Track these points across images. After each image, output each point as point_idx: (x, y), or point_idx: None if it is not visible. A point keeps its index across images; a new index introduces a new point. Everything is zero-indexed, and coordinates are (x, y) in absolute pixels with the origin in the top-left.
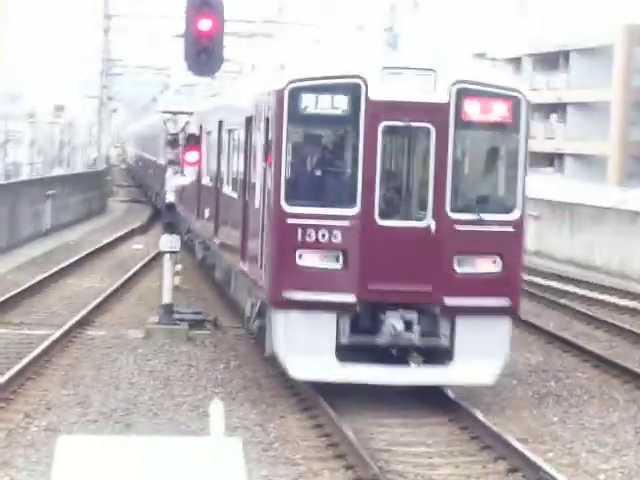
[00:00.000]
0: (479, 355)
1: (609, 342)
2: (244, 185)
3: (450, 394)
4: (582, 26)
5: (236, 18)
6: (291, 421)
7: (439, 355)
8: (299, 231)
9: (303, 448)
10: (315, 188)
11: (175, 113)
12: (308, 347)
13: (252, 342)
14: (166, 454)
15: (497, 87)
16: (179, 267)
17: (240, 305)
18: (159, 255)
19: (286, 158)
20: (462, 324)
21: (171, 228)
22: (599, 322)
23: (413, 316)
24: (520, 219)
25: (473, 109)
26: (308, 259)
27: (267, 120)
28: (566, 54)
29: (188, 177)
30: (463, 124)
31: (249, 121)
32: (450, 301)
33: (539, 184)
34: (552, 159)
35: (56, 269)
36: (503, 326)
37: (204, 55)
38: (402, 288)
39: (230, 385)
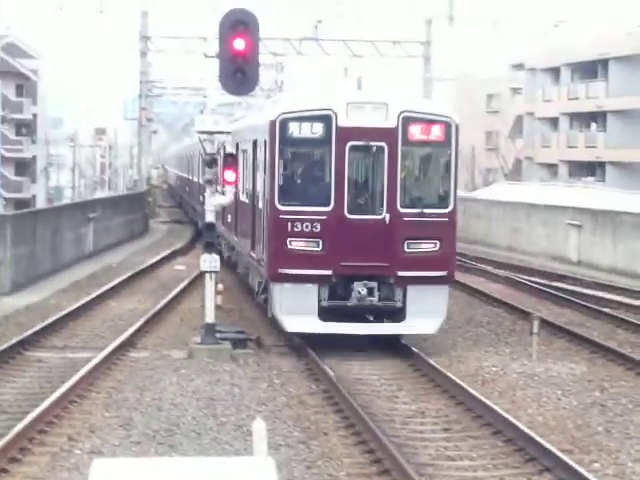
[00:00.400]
0: (425, 314)
1: None
2: (253, 192)
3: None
4: (620, 34)
5: (272, 36)
6: (334, 438)
7: (395, 314)
8: (289, 224)
9: (347, 465)
10: (300, 192)
11: (212, 133)
12: (297, 309)
13: (271, 328)
14: (195, 474)
15: (432, 114)
16: (220, 286)
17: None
18: (200, 276)
19: (279, 170)
20: (411, 291)
21: (211, 248)
22: None
23: (374, 285)
24: (453, 212)
25: (415, 131)
26: (296, 244)
27: (265, 142)
28: (605, 62)
29: (228, 196)
30: (408, 143)
31: (255, 143)
32: (402, 274)
33: (580, 193)
34: (593, 168)
35: (99, 292)
36: (442, 292)
37: (239, 75)
38: (366, 264)
39: (273, 403)
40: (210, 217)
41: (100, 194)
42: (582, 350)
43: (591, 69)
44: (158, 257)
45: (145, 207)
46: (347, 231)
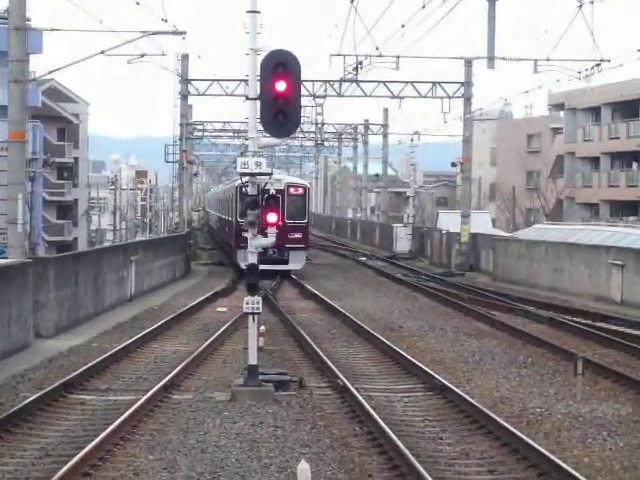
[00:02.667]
0: (296, 262)
1: None
2: (227, 214)
3: None
4: None
5: (312, 78)
6: None
7: (285, 262)
8: (241, 227)
9: None
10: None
11: (254, 175)
12: (246, 260)
13: (314, 370)
14: None
15: (298, 183)
16: (263, 328)
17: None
18: (242, 317)
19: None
20: (291, 252)
21: (254, 290)
22: None
23: (276, 250)
24: (307, 222)
25: (291, 190)
26: (244, 235)
27: (232, 194)
28: None
29: (270, 238)
30: (289, 194)
31: (230, 193)
32: (288, 245)
33: (621, 232)
34: (635, 207)
35: (141, 334)
36: (303, 253)
37: (281, 117)
38: (278, 242)
39: (317, 445)
40: (252, 259)
41: (141, 237)
42: (627, 390)
43: (632, 108)
44: (200, 299)
45: (186, 249)
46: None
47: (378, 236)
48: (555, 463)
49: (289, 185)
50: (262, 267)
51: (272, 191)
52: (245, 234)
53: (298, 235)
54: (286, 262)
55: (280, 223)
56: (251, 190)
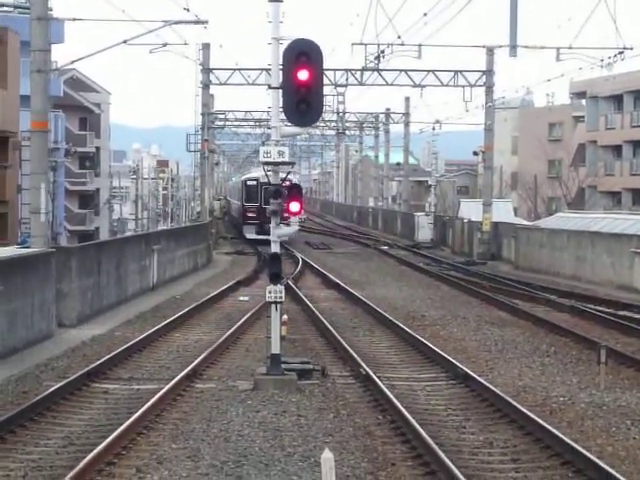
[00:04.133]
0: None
1: None
2: (237, 200)
3: None
4: None
5: (334, 67)
6: (402, 469)
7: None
8: (247, 208)
9: None
10: (250, 199)
11: (277, 164)
12: (250, 232)
13: (337, 359)
14: None
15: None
16: (285, 317)
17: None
18: (264, 306)
19: (245, 194)
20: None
21: (277, 278)
22: None
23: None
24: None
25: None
26: (248, 214)
27: (241, 185)
28: None
29: (293, 227)
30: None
31: (239, 185)
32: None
33: None
34: None
35: (164, 323)
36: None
37: (303, 106)
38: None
39: (340, 434)
40: (275, 248)
41: (162, 226)
42: None
43: None
44: (222, 288)
45: (208, 238)
46: (262, 211)
47: (400, 225)
48: (579, 452)
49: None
50: (259, 236)
51: (294, 179)
52: (249, 214)
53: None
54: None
55: (302, 211)
56: (273, 179)
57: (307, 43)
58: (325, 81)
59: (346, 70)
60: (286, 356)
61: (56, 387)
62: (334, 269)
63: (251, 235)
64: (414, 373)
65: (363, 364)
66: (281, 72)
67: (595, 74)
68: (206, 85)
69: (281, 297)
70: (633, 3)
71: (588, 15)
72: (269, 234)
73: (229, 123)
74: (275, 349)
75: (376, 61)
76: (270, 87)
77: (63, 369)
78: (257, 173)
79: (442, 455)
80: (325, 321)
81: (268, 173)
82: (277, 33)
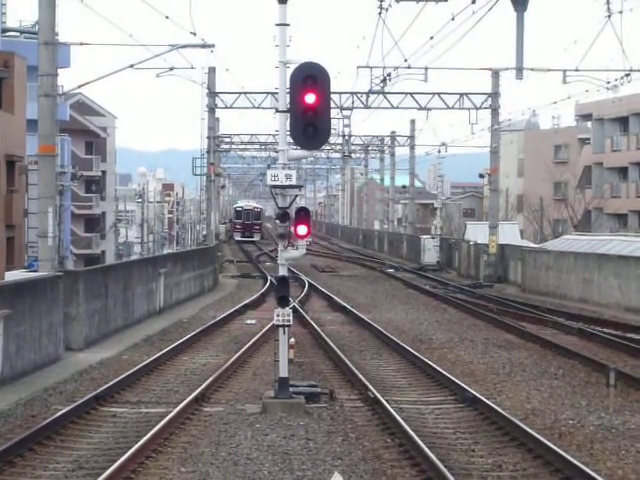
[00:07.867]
0: (256, 237)
1: None
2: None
3: None
4: None
5: (339, 90)
6: None
7: (252, 237)
8: (236, 223)
9: None
10: (238, 218)
11: (284, 187)
12: (237, 236)
13: (344, 382)
14: None
15: (256, 206)
16: (292, 340)
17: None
18: (271, 330)
19: (236, 216)
20: (255, 234)
21: (284, 302)
22: None
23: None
24: (260, 223)
25: (255, 209)
26: (237, 227)
27: (233, 211)
28: None
29: (300, 250)
30: (253, 210)
31: (234, 211)
32: (253, 231)
33: None
34: None
35: (171, 347)
36: (258, 234)
37: (310, 129)
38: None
39: (349, 458)
40: (283, 271)
41: (168, 249)
42: None
43: None
44: (229, 311)
45: (214, 262)
46: (244, 225)
47: (405, 248)
48: (589, 475)
49: (253, 207)
50: (242, 239)
51: (298, 204)
52: (237, 226)
53: (257, 227)
54: (252, 237)
55: (310, 234)
56: (281, 203)
57: (314, 66)
58: (331, 104)
59: (352, 93)
60: (294, 379)
61: (64, 411)
62: (340, 292)
63: (238, 238)
64: (422, 396)
65: (371, 387)
66: (288, 95)
67: (601, 96)
68: (212, 108)
69: (289, 320)
70: None
71: (594, 37)
72: (250, 237)
73: (234, 146)
74: (283, 372)
75: (382, 84)
76: (277, 110)
77: (71, 393)
78: (242, 203)
79: (451, 478)
80: (332, 344)
81: (276, 196)
82: (284, 57)
